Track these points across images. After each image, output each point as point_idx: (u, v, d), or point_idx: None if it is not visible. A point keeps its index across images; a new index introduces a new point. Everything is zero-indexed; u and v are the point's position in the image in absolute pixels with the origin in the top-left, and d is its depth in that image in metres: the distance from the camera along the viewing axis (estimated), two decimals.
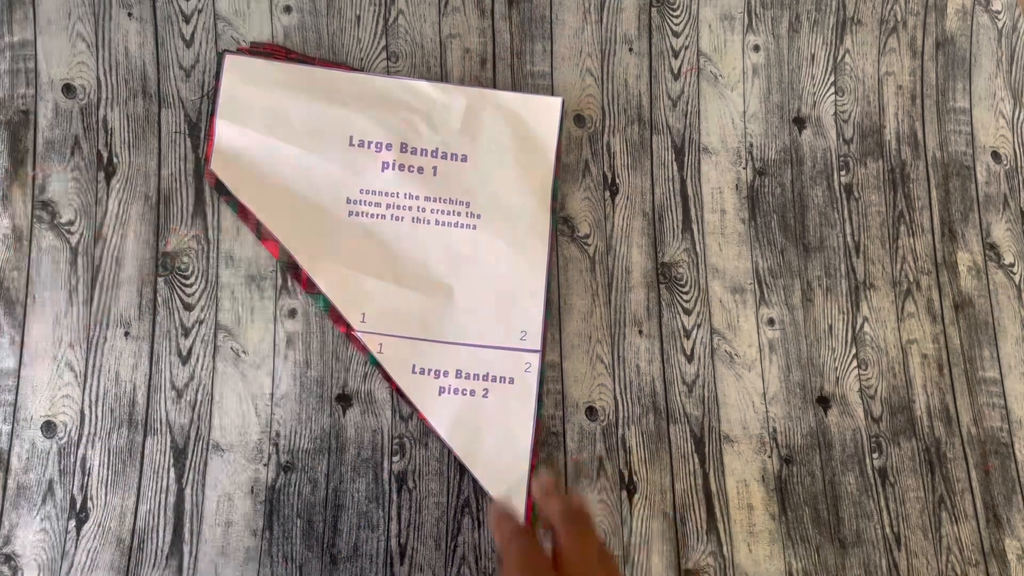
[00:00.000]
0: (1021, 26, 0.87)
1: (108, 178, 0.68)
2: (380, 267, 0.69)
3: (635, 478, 0.70)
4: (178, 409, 0.66)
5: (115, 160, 0.69)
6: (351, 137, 0.71)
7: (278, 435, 0.67)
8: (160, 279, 0.68)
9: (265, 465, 0.66)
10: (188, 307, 0.68)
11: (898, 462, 0.75)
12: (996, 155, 0.84)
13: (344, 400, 0.68)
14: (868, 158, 0.81)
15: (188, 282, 0.68)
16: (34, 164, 0.68)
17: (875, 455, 0.75)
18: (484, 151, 0.73)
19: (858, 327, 0.77)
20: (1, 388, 0.64)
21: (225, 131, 0.69)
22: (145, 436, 0.65)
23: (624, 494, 0.70)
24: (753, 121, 0.80)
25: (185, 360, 0.67)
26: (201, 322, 0.68)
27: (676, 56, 0.79)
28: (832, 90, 0.82)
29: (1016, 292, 0.81)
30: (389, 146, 0.71)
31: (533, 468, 0.68)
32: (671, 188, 0.77)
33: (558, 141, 0.74)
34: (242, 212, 0.68)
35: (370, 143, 0.71)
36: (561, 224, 0.74)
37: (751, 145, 0.79)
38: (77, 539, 0.63)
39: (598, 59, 0.78)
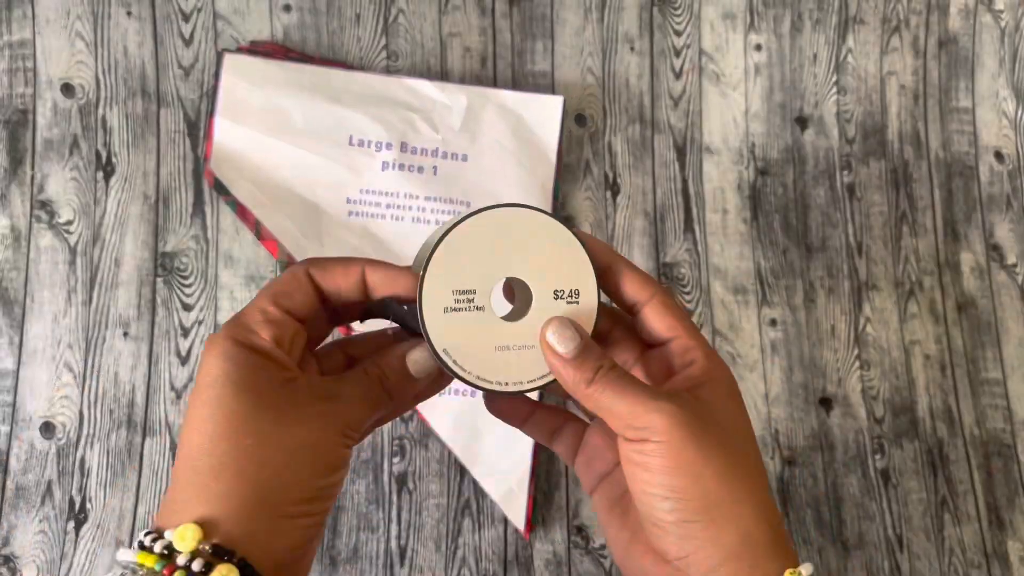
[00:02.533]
0: None
1: (107, 178, 0.68)
2: None
3: None
4: (178, 410, 0.66)
5: (114, 160, 0.68)
6: (351, 136, 0.70)
7: None
8: (159, 279, 0.67)
9: None
10: (187, 307, 0.67)
11: (900, 463, 0.75)
12: (999, 155, 0.84)
13: None
14: (871, 158, 0.81)
15: (187, 282, 0.68)
16: (33, 163, 0.67)
17: (877, 456, 0.74)
18: (485, 151, 0.72)
19: (860, 328, 0.77)
20: None
21: (224, 130, 0.68)
22: (144, 437, 0.65)
23: None
24: (755, 120, 0.79)
25: (184, 361, 0.66)
26: (200, 323, 0.67)
27: (678, 55, 0.79)
28: (834, 89, 0.81)
29: (1019, 293, 0.81)
30: (389, 145, 0.70)
31: (534, 469, 0.68)
32: (673, 188, 0.76)
33: (559, 141, 0.74)
34: (241, 212, 0.68)
35: (370, 142, 0.70)
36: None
37: (753, 145, 0.79)
38: (76, 540, 0.63)
39: (599, 58, 0.77)
